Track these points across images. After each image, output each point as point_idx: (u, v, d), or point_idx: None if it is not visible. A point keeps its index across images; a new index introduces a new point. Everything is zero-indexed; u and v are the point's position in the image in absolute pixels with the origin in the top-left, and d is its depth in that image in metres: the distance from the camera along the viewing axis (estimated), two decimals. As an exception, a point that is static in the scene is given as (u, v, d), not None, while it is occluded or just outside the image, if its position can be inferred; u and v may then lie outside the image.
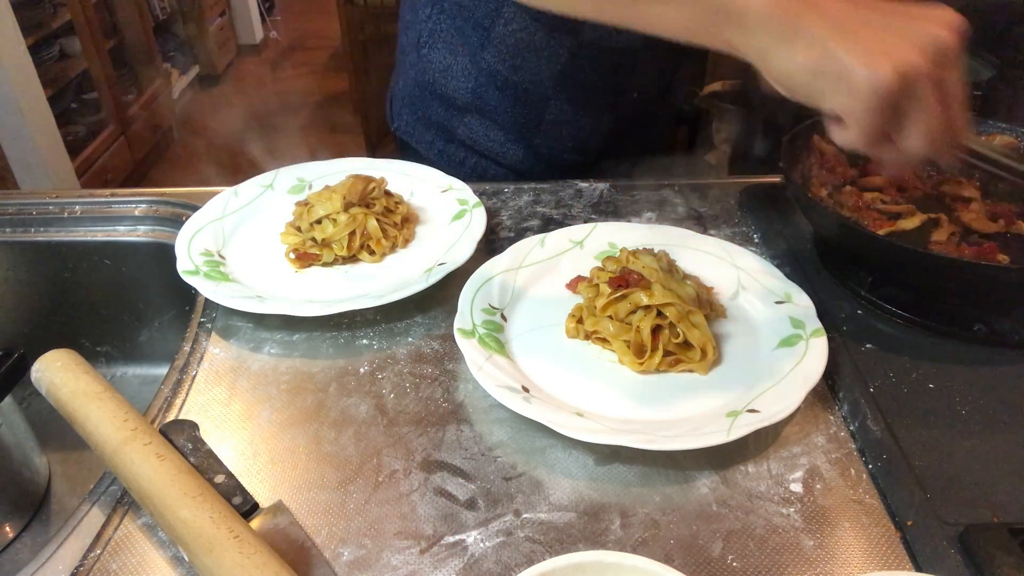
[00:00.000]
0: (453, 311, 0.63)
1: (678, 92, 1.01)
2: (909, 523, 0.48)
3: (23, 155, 2.27)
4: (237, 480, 0.50)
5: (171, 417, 0.58)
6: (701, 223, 0.80)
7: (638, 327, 0.60)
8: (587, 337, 0.64)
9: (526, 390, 0.57)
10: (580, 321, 0.64)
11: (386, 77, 1.04)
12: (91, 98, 2.80)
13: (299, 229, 0.74)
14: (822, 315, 0.62)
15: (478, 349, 0.60)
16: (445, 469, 0.53)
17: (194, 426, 0.54)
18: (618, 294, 0.61)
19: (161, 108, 3.23)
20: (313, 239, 0.73)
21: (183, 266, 0.69)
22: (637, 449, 0.51)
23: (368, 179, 0.76)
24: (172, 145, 3.39)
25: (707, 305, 0.65)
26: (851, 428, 0.56)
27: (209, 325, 0.67)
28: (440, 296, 0.68)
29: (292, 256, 0.73)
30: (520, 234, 0.77)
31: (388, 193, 0.77)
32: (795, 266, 0.71)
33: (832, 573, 0.46)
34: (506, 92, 0.86)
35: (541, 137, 0.90)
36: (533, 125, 0.89)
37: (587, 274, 0.67)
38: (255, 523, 0.48)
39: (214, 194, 0.80)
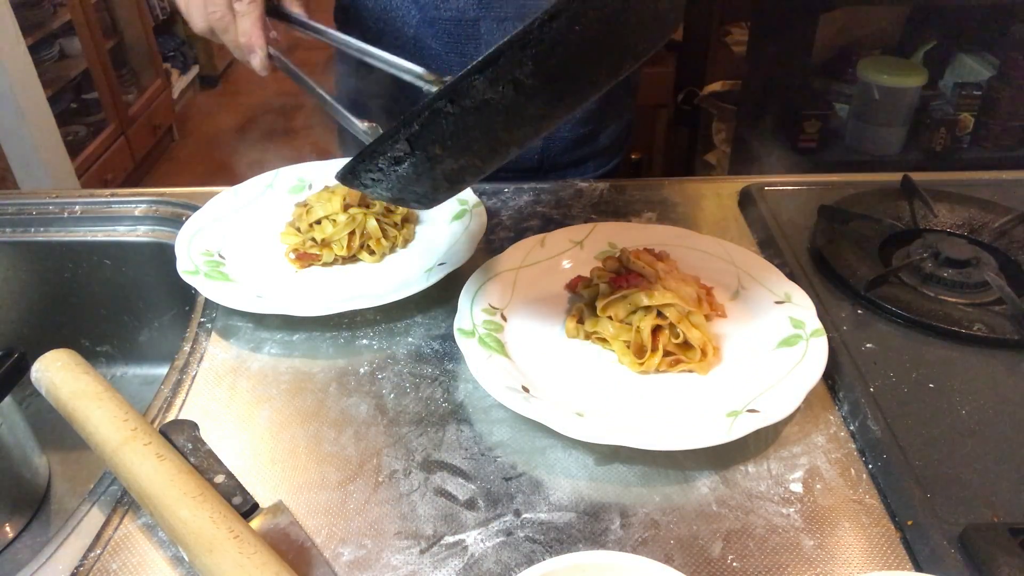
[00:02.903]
0: (453, 311, 0.63)
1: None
2: (909, 523, 0.48)
3: (23, 155, 2.27)
4: (237, 480, 0.50)
5: (171, 417, 0.58)
6: (701, 223, 0.80)
7: (638, 327, 0.60)
8: (587, 337, 0.64)
9: (526, 390, 0.57)
10: (580, 321, 0.64)
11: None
12: (91, 98, 2.80)
13: (299, 229, 0.74)
14: (822, 315, 0.62)
15: (478, 349, 0.60)
16: (445, 469, 0.53)
17: (194, 426, 0.54)
18: (618, 294, 0.61)
19: (161, 108, 3.23)
20: (313, 239, 0.73)
21: (183, 266, 0.69)
22: (637, 449, 0.51)
23: (368, 179, 0.76)
24: (172, 145, 3.39)
25: (707, 305, 0.65)
26: (851, 428, 0.56)
27: (209, 325, 0.67)
28: (440, 296, 0.68)
29: (292, 256, 0.73)
30: (520, 234, 0.77)
31: (388, 193, 0.77)
32: (795, 266, 0.71)
33: (832, 573, 0.46)
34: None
35: None
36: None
37: (587, 274, 0.67)
38: (255, 523, 0.48)
39: (214, 194, 0.80)
